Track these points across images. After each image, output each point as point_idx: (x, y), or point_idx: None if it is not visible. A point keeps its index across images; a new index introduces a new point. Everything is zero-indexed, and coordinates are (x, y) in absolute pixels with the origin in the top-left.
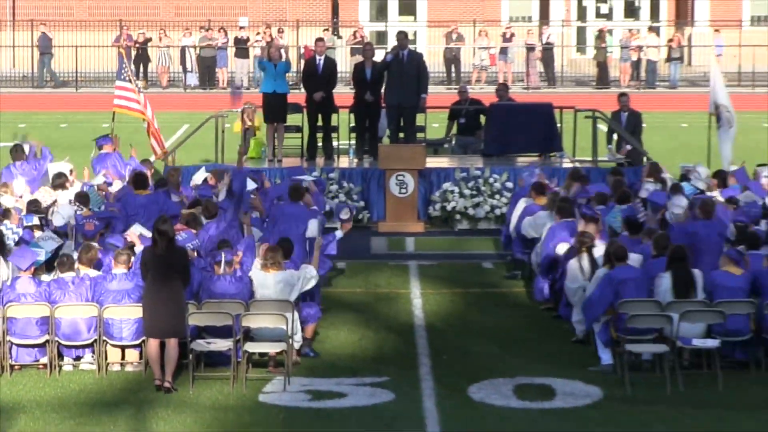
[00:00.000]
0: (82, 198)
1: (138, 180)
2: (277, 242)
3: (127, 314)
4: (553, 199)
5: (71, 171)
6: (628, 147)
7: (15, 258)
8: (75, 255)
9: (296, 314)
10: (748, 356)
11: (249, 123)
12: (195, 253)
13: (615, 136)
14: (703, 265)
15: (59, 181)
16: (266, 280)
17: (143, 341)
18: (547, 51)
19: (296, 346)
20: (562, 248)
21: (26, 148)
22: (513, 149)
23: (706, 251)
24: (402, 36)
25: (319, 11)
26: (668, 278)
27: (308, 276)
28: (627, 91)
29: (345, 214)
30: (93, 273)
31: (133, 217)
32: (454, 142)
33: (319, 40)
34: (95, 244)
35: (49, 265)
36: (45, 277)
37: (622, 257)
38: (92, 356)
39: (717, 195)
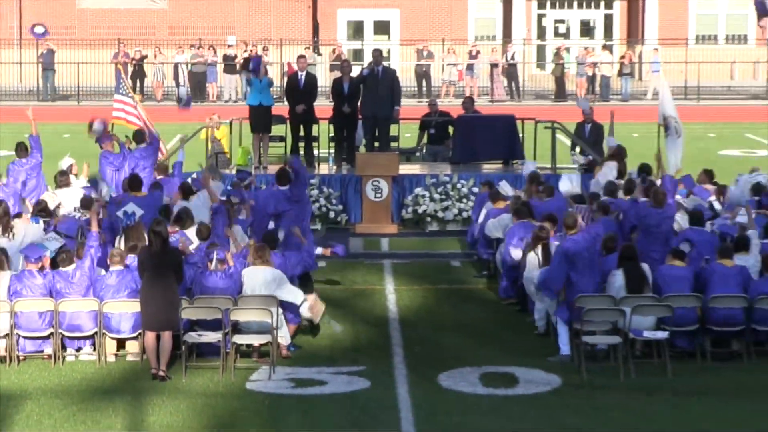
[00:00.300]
0: (85, 203)
1: (133, 182)
2: (261, 238)
3: (125, 308)
4: (515, 202)
5: (72, 166)
6: (590, 157)
7: (25, 251)
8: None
9: (281, 309)
10: (694, 346)
11: (213, 133)
12: (189, 249)
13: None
14: (653, 253)
15: (63, 179)
16: (256, 276)
17: (140, 333)
18: (512, 67)
19: (281, 341)
20: (516, 254)
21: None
22: (478, 157)
23: (656, 239)
24: (377, 53)
25: (301, 31)
26: (621, 275)
27: (293, 291)
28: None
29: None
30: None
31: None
32: (424, 151)
33: (301, 57)
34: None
35: (53, 264)
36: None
37: (572, 225)
38: (92, 347)
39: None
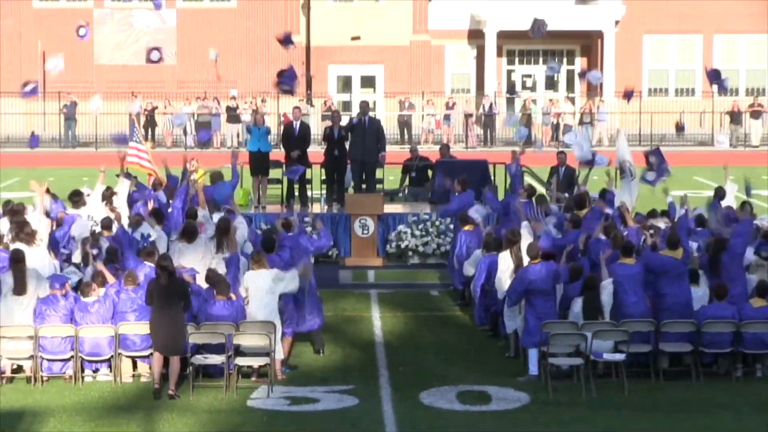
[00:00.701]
0: (106, 223)
1: (156, 214)
2: (261, 243)
3: (138, 330)
4: (486, 237)
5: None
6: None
7: (51, 278)
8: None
9: (278, 335)
10: (650, 366)
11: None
12: (193, 280)
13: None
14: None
15: (76, 200)
16: (258, 279)
17: (151, 353)
18: (488, 117)
19: (277, 356)
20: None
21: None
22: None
23: None
24: (364, 105)
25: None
26: (580, 303)
27: (291, 277)
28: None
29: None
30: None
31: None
32: (406, 192)
33: (296, 108)
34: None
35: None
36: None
37: (534, 256)
38: (108, 369)
39: None
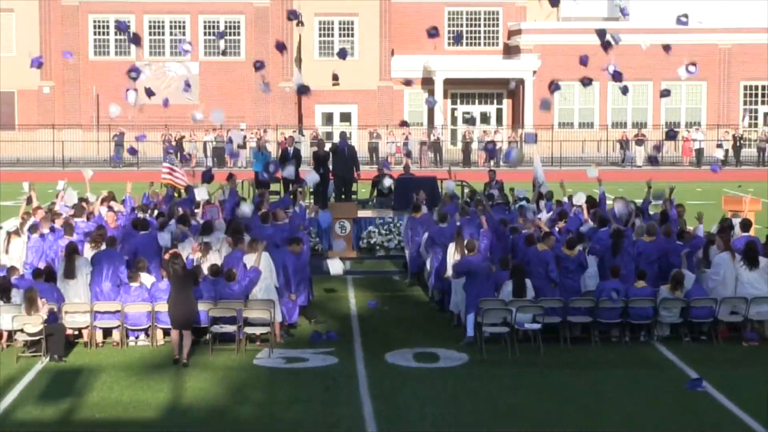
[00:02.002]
0: (141, 223)
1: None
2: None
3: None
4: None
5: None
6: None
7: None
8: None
9: (277, 309)
10: (560, 333)
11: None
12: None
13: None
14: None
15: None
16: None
17: None
18: (436, 144)
19: (278, 318)
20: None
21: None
22: (411, 205)
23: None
24: (343, 134)
25: (290, 118)
26: (510, 285)
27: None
28: (494, 169)
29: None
30: (147, 279)
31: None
32: (375, 201)
33: (290, 137)
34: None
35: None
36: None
37: (471, 249)
38: (146, 336)
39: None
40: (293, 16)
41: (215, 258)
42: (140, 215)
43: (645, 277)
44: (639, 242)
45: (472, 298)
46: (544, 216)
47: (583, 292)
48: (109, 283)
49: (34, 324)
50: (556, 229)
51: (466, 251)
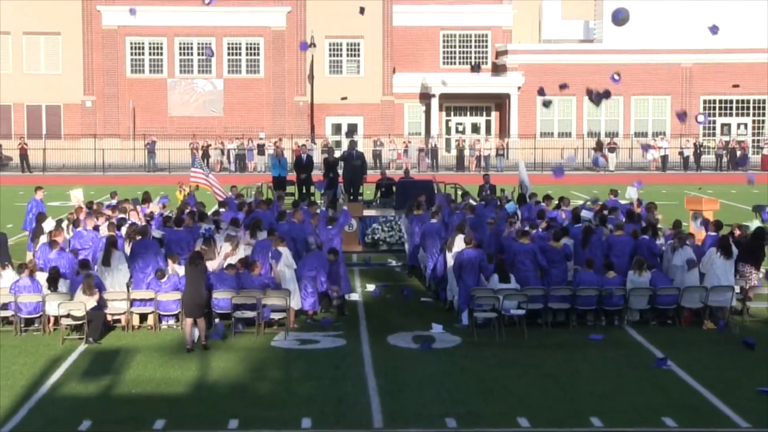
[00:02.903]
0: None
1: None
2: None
3: None
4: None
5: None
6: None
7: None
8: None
9: (296, 297)
10: (542, 318)
11: (186, 191)
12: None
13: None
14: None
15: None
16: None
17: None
18: (433, 151)
19: (293, 305)
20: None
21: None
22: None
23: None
24: (353, 143)
25: (304, 128)
26: (497, 278)
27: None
28: (488, 173)
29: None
30: (180, 270)
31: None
32: (378, 202)
33: (303, 145)
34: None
35: None
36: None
37: (468, 242)
38: (175, 321)
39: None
40: (304, 47)
41: (242, 252)
42: (173, 214)
43: (613, 267)
44: (610, 237)
45: (464, 295)
46: (520, 214)
47: (568, 281)
48: (150, 268)
49: (78, 309)
50: (540, 229)
51: (464, 244)
